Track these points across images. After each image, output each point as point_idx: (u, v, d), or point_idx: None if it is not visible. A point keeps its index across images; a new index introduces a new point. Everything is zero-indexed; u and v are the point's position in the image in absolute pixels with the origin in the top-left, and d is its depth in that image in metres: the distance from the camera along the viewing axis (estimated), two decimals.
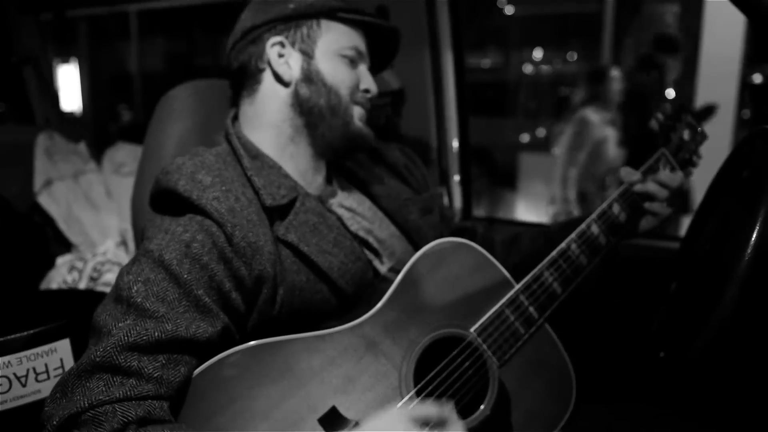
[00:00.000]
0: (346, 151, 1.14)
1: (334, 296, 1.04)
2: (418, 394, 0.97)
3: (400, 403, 0.96)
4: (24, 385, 1.07)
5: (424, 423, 0.87)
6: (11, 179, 2.24)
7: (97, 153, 2.59)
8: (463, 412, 0.99)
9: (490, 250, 1.33)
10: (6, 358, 1.06)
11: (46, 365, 1.09)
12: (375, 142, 1.18)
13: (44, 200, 2.20)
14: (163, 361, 0.86)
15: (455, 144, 1.93)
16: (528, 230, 1.34)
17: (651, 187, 1.18)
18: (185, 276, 0.90)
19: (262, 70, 1.10)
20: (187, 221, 0.95)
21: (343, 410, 0.93)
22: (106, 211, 2.22)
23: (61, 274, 1.84)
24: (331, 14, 1.11)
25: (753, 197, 0.99)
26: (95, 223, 2.16)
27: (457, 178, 1.94)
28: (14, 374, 1.06)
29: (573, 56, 6.28)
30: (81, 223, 2.16)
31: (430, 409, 0.88)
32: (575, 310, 1.29)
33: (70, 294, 1.58)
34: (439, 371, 0.99)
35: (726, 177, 1.18)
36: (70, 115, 4.30)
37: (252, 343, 0.92)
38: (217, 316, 0.92)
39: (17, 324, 1.11)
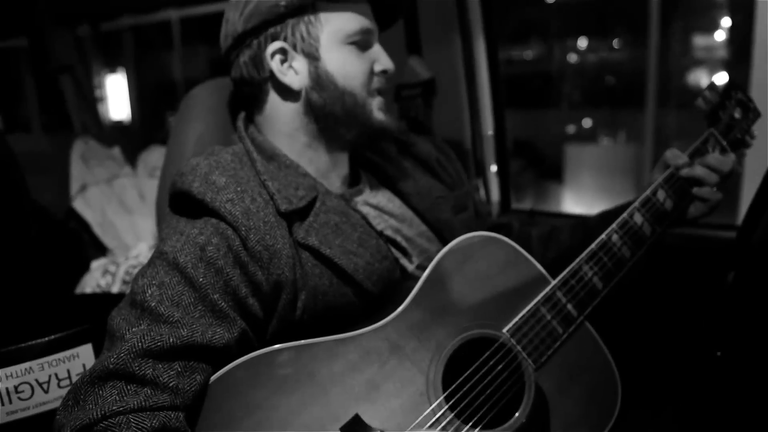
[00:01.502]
0: (370, 144, 1.09)
1: (360, 298, 0.98)
2: (447, 400, 0.91)
3: (428, 410, 0.90)
4: (46, 392, 1.06)
5: None
6: (49, 186, 2.28)
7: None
8: (497, 420, 0.92)
9: (527, 246, 1.26)
10: (27, 364, 1.05)
11: (68, 371, 1.08)
12: (401, 130, 1.13)
13: (79, 205, 2.23)
14: (179, 369, 0.82)
15: (491, 135, 1.85)
16: (566, 223, 1.25)
17: (699, 171, 1.07)
18: (201, 280, 0.86)
19: (266, 80, 1.03)
20: (203, 224, 0.91)
21: (366, 418, 0.87)
22: (140, 215, 2.24)
23: (95, 278, 1.85)
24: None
25: None
26: (129, 227, 2.17)
27: (494, 169, 1.86)
28: (36, 380, 1.05)
29: (618, 43, 6.07)
30: (115, 227, 2.18)
31: None
32: (619, 306, 1.20)
33: (100, 298, 1.58)
34: (469, 375, 0.93)
35: None
36: (119, 124, 4.41)
37: (269, 348, 0.87)
38: (234, 321, 0.87)
39: (43, 329, 1.10)
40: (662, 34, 5.18)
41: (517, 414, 0.93)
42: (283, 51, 1.00)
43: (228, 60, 1.07)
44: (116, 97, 4.50)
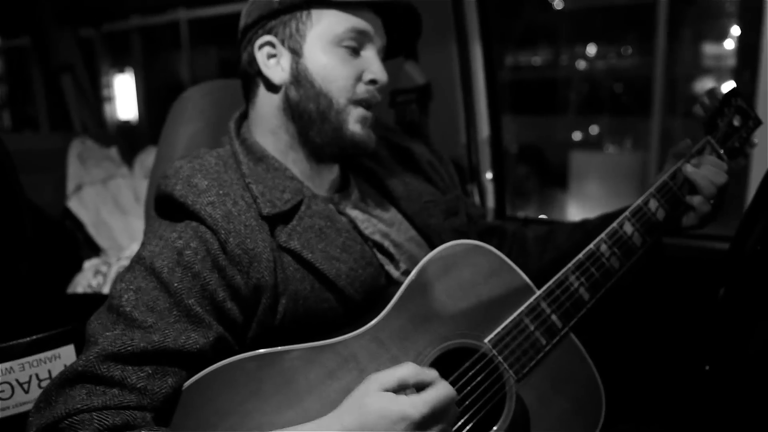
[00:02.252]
0: (343, 156, 1.04)
1: (343, 304, 0.97)
2: None
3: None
4: (26, 392, 1.05)
5: (401, 387, 0.81)
6: (46, 185, 2.29)
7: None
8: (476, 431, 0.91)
9: (522, 248, 1.25)
10: (8, 364, 1.04)
11: (49, 371, 1.07)
12: (376, 145, 1.11)
13: (74, 205, 2.23)
14: (149, 372, 0.82)
15: (486, 140, 1.83)
16: (564, 225, 1.24)
17: (698, 175, 1.06)
18: (176, 285, 0.86)
19: (257, 74, 1.03)
20: (183, 227, 0.91)
21: None
22: (134, 216, 2.24)
23: (87, 278, 1.85)
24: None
25: None
26: (123, 228, 2.17)
27: (489, 176, 1.85)
28: (17, 380, 1.05)
29: (627, 50, 6.04)
30: (109, 228, 2.18)
31: (403, 370, 0.82)
32: (608, 317, 1.18)
33: (89, 299, 1.57)
34: None
35: None
36: (126, 124, 4.43)
37: (245, 354, 0.87)
38: (210, 326, 0.87)
39: (28, 328, 1.10)
40: (670, 42, 5.16)
41: (496, 426, 0.92)
42: (271, 44, 1.00)
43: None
44: (124, 98, 4.53)
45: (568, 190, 5.41)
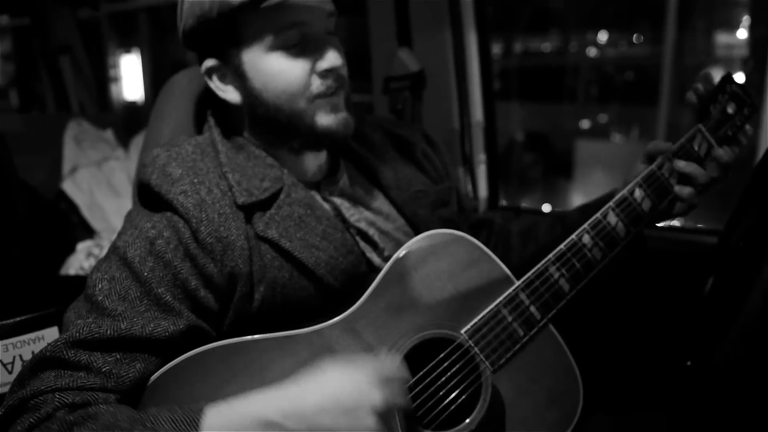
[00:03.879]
0: (328, 145, 1.02)
1: (322, 292, 0.97)
2: None
3: None
4: (10, 372, 1.07)
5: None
6: (41, 166, 2.30)
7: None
8: (451, 421, 0.91)
9: (507, 242, 1.25)
10: None
11: (32, 352, 1.07)
12: (370, 130, 1.09)
13: (68, 187, 2.24)
14: (117, 357, 0.84)
15: (480, 128, 1.82)
16: (546, 217, 1.23)
17: (687, 167, 1.03)
18: (146, 274, 0.87)
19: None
20: (159, 217, 0.91)
21: None
22: (128, 198, 2.25)
23: (79, 260, 1.86)
24: (243, 11, 0.89)
25: None
26: (117, 210, 2.19)
27: (482, 166, 1.84)
28: (0, 361, 1.06)
29: (639, 39, 5.96)
30: (103, 210, 2.19)
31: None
32: (591, 309, 1.18)
33: (78, 281, 1.58)
34: (423, 376, 0.92)
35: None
36: (132, 104, 4.43)
37: (221, 342, 0.87)
38: (180, 314, 0.87)
39: (14, 309, 1.12)
40: (682, 31, 5.09)
41: (471, 416, 0.92)
42: (216, 69, 0.97)
43: None
44: (130, 78, 4.52)
45: (573, 178, 5.38)
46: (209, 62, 0.96)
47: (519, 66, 6.27)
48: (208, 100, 1.17)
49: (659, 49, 5.30)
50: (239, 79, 0.96)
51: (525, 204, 5.08)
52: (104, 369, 0.82)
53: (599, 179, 5.14)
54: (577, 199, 5.25)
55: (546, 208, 4.97)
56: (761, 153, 1.06)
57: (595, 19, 6.03)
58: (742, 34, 4.89)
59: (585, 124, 6.06)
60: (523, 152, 5.79)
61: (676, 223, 1.56)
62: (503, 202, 2.00)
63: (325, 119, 0.96)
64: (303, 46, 0.93)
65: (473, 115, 1.80)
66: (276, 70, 0.93)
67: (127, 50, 4.67)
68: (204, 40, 0.96)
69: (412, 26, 1.74)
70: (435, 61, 1.74)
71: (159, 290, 0.87)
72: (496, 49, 5.95)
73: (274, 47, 0.92)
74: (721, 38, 5.12)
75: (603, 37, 6.13)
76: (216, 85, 0.98)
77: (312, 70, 0.94)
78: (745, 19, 4.79)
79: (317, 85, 0.94)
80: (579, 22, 6.22)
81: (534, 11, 6.18)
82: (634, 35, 5.94)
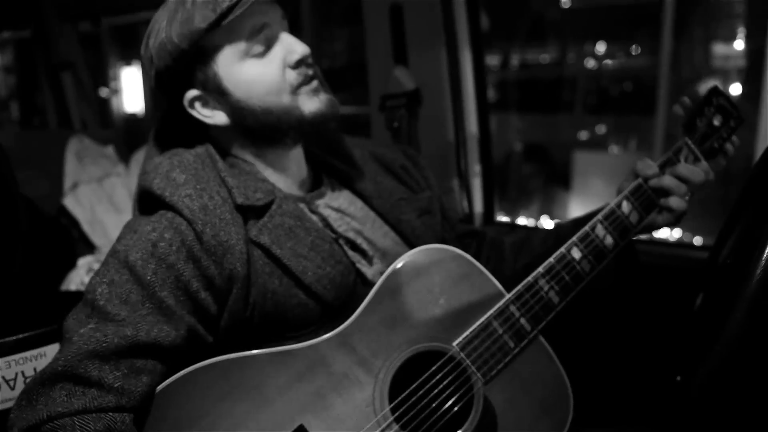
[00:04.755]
0: (322, 128, 1.03)
1: (312, 301, 0.99)
2: (393, 411, 0.92)
3: (372, 421, 0.91)
4: (12, 389, 1.09)
5: None
6: (42, 181, 2.32)
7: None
8: None
9: (500, 254, 1.27)
10: None
11: (35, 369, 1.11)
12: (349, 148, 1.11)
13: (69, 203, 2.27)
14: (125, 371, 0.85)
15: (475, 145, 1.85)
16: (540, 230, 1.25)
17: (667, 181, 1.06)
18: (149, 277, 0.89)
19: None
20: (158, 219, 0.93)
21: (312, 429, 0.89)
22: (129, 214, 2.26)
23: (80, 276, 1.89)
24: (208, 33, 0.94)
25: None
26: (118, 225, 2.19)
27: (477, 181, 1.86)
28: (3, 377, 1.08)
29: (637, 50, 6.00)
30: (104, 226, 2.22)
31: None
32: (582, 323, 1.19)
33: (79, 297, 1.60)
34: (416, 388, 0.94)
35: (756, 181, 1.05)
36: (133, 116, 4.44)
37: (218, 358, 0.90)
38: (182, 318, 0.90)
39: (15, 326, 1.13)
40: (679, 42, 5.12)
41: (463, 427, 0.94)
42: (197, 97, 1.00)
43: None
44: (131, 90, 4.52)
45: (572, 189, 5.39)
46: (190, 93, 0.99)
47: (517, 77, 6.30)
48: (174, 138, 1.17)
49: (657, 59, 5.34)
50: (222, 96, 0.99)
51: (524, 214, 5.10)
52: (116, 385, 0.83)
53: (598, 190, 5.15)
54: (576, 210, 5.26)
55: (544, 218, 5.00)
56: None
57: (593, 31, 6.06)
58: (739, 45, 4.92)
59: (583, 135, 6.08)
60: (522, 163, 5.81)
61: (668, 237, 1.58)
62: (502, 217, 2.02)
63: (311, 105, 0.99)
64: (269, 46, 0.98)
65: (468, 131, 1.83)
66: (253, 75, 0.97)
67: (128, 62, 4.69)
68: (178, 75, 0.99)
69: (408, 44, 1.77)
70: (430, 79, 1.78)
71: (162, 293, 0.88)
72: (495, 60, 5.99)
73: (245, 55, 0.97)
74: (719, 49, 5.15)
75: (601, 48, 6.16)
76: (200, 113, 1.01)
77: (284, 65, 0.98)
78: (741, 31, 4.82)
79: (294, 76, 0.99)
80: (577, 34, 6.26)
81: (532, 23, 6.23)
82: (632, 46, 5.98)
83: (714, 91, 1.10)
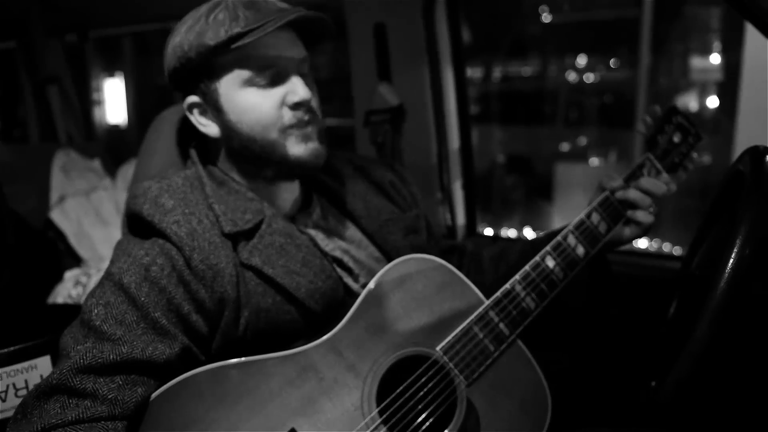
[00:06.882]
0: (300, 174, 1.09)
1: (304, 315, 1.03)
2: (380, 414, 0.96)
3: (361, 423, 0.94)
4: (4, 401, 1.10)
5: None
6: (28, 195, 2.32)
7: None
8: None
9: (479, 266, 1.32)
10: None
11: (26, 381, 1.12)
12: (339, 164, 1.15)
13: (56, 216, 2.28)
14: (120, 383, 0.87)
15: (456, 158, 1.90)
16: (516, 243, 1.30)
17: (632, 194, 1.13)
18: (143, 299, 0.92)
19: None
20: (150, 245, 0.97)
21: (302, 431, 0.92)
22: (116, 227, 2.29)
23: (67, 289, 1.90)
24: (218, 51, 0.98)
25: (735, 222, 0.92)
26: (105, 239, 2.23)
27: (459, 194, 1.91)
28: None
29: (617, 63, 6.11)
30: (91, 239, 2.23)
31: None
32: (562, 328, 1.23)
33: (67, 310, 1.62)
34: (402, 391, 0.97)
35: (724, 194, 1.11)
36: (116, 128, 4.41)
37: (210, 365, 0.92)
38: (175, 337, 0.92)
39: (3, 339, 1.15)
40: (657, 55, 5.22)
41: (448, 428, 0.97)
42: (197, 104, 1.05)
43: None
44: (114, 102, 4.49)
45: (554, 201, 5.47)
46: (191, 99, 1.04)
47: (499, 90, 6.39)
48: (190, 134, 1.23)
49: (636, 73, 5.44)
50: (217, 112, 1.03)
51: (507, 225, 5.16)
52: (110, 396, 0.85)
53: (579, 202, 5.22)
54: (558, 221, 5.33)
55: (527, 230, 5.05)
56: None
57: (574, 44, 6.17)
58: (716, 59, 5.03)
59: (565, 146, 6.17)
60: (504, 175, 5.88)
61: (647, 248, 1.63)
62: (484, 229, 2.07)
63: (296, 149, 1.02)
64: (275, 82, 1.01)
65: (451, 145, 1.88)
66: (250, 103, 1.00)
67: (111, 74, 4.66)
68: (186, 79, 1.04)
69: (392, 62, 1.82)
70: (414, 95, 1.82)
71: (155, 314, 0.91)
72: (477, 73, 6.08)
73: (248, 83, 1.00)
74: (696, 63, 5.26)
75: (582, 61, 6.27)
76: (197, 120, 1.06)
77: (283, 103, 1.01)
78: (717, 45, 4.94)
79: (289, 117, 1.01)
80: (558, 47, 6.37)
81: (514, 37, 6.32)
82: (612, 60, 6.09)
83: (672, 110, 1.18)
